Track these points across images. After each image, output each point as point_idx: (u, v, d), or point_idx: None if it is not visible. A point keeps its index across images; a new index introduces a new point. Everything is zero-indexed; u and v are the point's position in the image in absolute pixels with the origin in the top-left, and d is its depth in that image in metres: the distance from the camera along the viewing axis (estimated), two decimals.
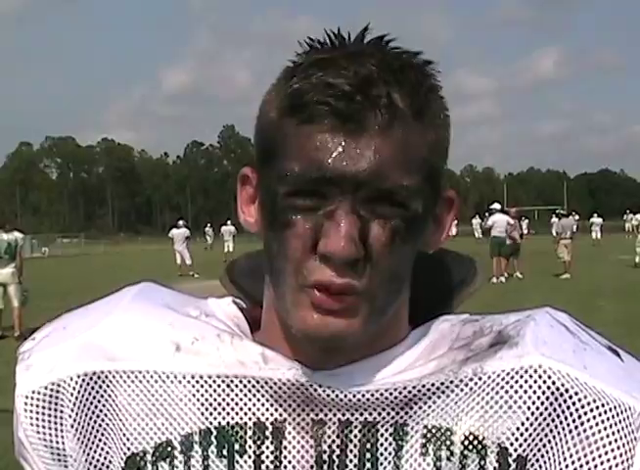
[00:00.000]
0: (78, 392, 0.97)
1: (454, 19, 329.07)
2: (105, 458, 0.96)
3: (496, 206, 25.42)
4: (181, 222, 32.50)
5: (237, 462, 0.92)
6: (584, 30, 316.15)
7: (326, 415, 0.92)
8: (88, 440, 0.97)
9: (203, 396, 0.94)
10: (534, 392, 0.90)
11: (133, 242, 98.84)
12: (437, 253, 1.02)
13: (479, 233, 24.70)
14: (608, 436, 0.88)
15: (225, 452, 0.93)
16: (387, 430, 0.92)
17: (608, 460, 0.88)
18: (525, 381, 0.90)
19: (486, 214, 25.03)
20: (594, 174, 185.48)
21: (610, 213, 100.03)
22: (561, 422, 0.89)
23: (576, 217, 41.41)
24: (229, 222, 43.20)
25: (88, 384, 0.97)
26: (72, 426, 0.97)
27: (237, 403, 0.94)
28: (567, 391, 0.90)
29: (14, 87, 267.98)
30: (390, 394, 0.92)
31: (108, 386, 0.96)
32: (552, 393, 0.90)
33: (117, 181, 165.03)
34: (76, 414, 0.97)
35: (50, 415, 0.98)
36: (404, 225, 0.87)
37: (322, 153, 0.84)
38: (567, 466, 0.88)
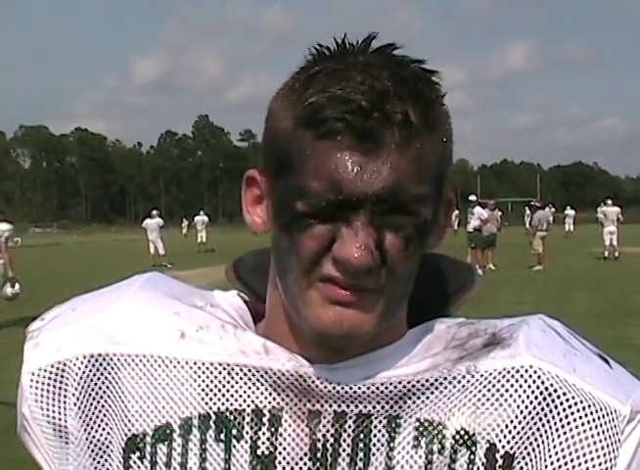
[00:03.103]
0: (83, 372, 1.00)
1: (424, 10, 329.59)
2: (105, 438, 0.99)
3: (473, 198, 25.51)
4: (155, 212, 32.30)
5: (234, 447, 0.94)
6: (555, 23, 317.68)
7: (322, 406, 0.95)
8: (90, 419, 0.99)
9: (204, 381, 0.97)
10: (524, 391, 0.92)
11: (106, 232, 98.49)
12: (435, 258, 1.06)
13: (455, 225, 24.65)
14: (593, 436, 0.91)
15: (223, 437, 0.95)
16: (380, 422, 0.94)
17: (592, 459, 0.90)
18: (517, 380, 0.93)
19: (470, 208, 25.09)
20: (568, 167, 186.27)
21: (583, 206, 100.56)
22: (548, 421, 0.91)
23: (552, 210, 41.64)
24: (202, 212, 43.19)
25: (93, 365, 1.00)
26: (75, 404, 1.00)
27: (236, 391, 0.96)
28: (555, 391, 0.92)
29: None
30: (386, 387, 0.94)
31: (112, 368, 0.99)
32: (541, 392, 0.92)
33: (91, 171, 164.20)
34: (80, 394, 1.00)
35: (54, 393, 1.01)
36: (416, 233, 0.89)
37: (341, 173, 0.86)
38: (552, 463, 0.90)
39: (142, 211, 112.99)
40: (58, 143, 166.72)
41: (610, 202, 28.84)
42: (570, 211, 52.74)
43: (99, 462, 0.99)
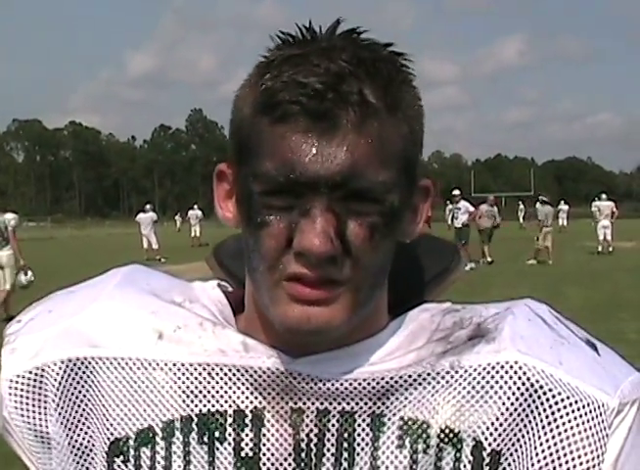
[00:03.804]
0: (62, 377, 0.98)
1: (418, 4, 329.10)
2: (88, 442, 0.98)
3: (457, 192, 25.21)
4: (148, 206, 32.30)
5: (217, 449, 0.93)
6: (549, 18, 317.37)
7: (304, 404, 0.93)
8: (72, 424, 0.98)
9: (184, 383, 0.95)
10: (509, 387, 0.91)
11: (100, 226, 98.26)
12: (422, 239, 1.02)
13: (449, 219, 24.54)
14: (580, 432, 0.89)
15: (206, 439, 0.94)
16: (364, 420, 0.92)
17: (579, 456, 0.89)
18: (501, 376, 0.91)
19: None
20: (561, 161, 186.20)
21: (576, 201, 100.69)
22: (534, 418, 0.90)
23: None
24: (196, 207, 43.14)
25: (72, 370, 0.98)
26: (56, 410, 0.99)
27: (217, 391, 0.95)
28: (541, 387, 0.90)
29: None
30: (368, 384, 0.92)
31: (91, 372, 0.98)
32: (527, 389, 0.91)
33: (85, 165, 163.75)
34: (60, 399, 0.98)
35: (34, 399, 1.00)
36: (382, 221, 0.87)
37: (296, 155, 0.84)
38: (538, 461, 0.89)
39: (136, 204, 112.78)
40: (51, 137, 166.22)
41: (604, 196, 28.79)
42: (563, 206, 52.62)
43: (83, 466, 0.99)
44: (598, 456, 0.89)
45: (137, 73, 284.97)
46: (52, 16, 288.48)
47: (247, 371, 0.94)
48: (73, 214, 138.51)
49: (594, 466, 0.89)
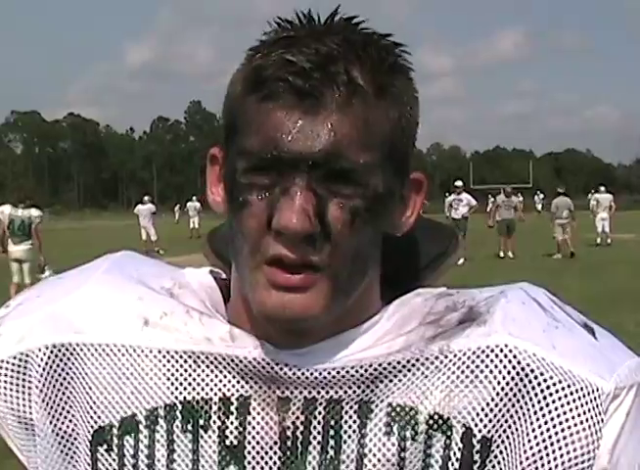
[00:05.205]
0: (46, 363, 0.98)
1: None
2: (72, 430, 0.97)
3: (459, 183, 25.05)
4: (147, 198, 32.25)
5: (201, 437, 0.93)
6: (546, 10, 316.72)
7: (292, 392, 0.92)
8: (55, 411, 0.98)
9: (169, 370, 0.95)
10: (500, 371, 0.89)
11: (99, 217, 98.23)
12: (419, 222, 1.01)
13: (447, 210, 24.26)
14: (573, 417, 0.87)
15: (190, 427, 0.93)
16: (351, 407, 0.91)
17: (572, 442, 0.87)
18: (491, 360, 0.90)
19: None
20: (560, 154, 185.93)
21: (575, 193, 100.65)
22: (526, 403, 0.88)
23: (541, 196, 41.66)
24: (194, 198, 43.21)
25: (56, 356, 0.97)
26: (39, 397, 0.98)
27: (203, 379, 0.94)
28: (532, 371, 0.89)
29: None
30: (356, 371, 0.92)
31: (76, 358, 0.97)
32: (517, 373, 0.89)
33: (83, 156, 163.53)
34: (43, 385, 0.98)
35: (18, 385, 0.99)
36: (364, 205, 0.86)
37: (279, 132, 0.84)
38: (531, 448, 0.88)
39: (134, 196, 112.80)
40: (50, 129, 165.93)
41: (603, 189, 28.77)
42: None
43: (67, 454, 0.98)
44: (593, 442, 0.87)
45: (136, 65, 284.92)
46: (51, 7, 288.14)
47: (232, 360, 0.94)
48: (72, 206, 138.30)
49: (589, 452, 0.87)
